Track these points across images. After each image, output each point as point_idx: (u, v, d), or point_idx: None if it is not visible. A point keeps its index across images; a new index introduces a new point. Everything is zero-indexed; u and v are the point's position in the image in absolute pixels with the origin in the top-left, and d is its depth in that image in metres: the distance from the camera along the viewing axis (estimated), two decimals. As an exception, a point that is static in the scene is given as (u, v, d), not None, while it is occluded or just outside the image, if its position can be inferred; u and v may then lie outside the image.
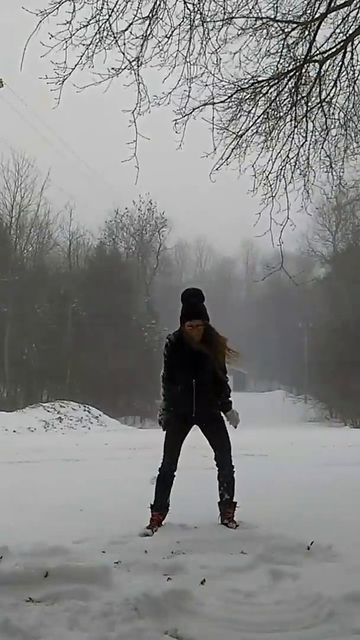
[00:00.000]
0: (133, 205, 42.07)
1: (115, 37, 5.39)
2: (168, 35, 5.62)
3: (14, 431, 21.31)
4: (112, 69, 5.55)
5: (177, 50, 5.81)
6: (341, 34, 6.37)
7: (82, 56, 5.41)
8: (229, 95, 6.43)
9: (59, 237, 38.44)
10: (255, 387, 53.92)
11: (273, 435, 18.95)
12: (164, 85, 6.01)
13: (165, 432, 4.66)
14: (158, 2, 5.44)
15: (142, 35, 5.56)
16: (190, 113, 6.29)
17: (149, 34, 5.56)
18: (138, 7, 5.37)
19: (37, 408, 27.25)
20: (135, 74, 5.67)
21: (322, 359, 38.78)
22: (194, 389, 4.52)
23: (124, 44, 5.48)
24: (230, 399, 4.75)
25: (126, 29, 5.44)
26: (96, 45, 5.40)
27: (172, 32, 5.63)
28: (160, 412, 4.72)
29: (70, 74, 5.43)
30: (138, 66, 5.66)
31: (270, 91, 6.55)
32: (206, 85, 6.23)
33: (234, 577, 3.34)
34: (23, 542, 3.78)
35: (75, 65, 5.44)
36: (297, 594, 3.03)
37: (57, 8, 5.05)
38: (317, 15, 6.26)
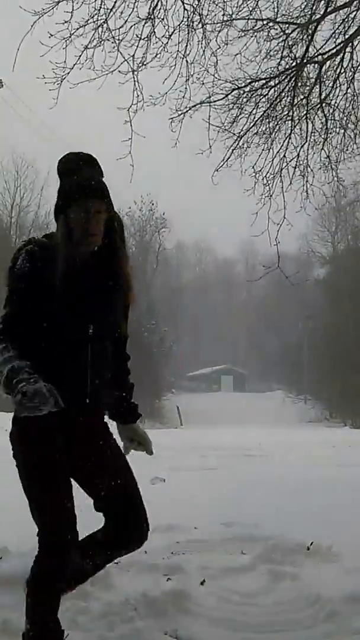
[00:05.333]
0: (134, 206, 42.13)
1: (114, 37, 5.40)
2: (167, 36, 5.62)
3: (14, 431, 21.28)
4: (114, 71, 5.55)
5: (177, 51, 5.81)
6: (341, 35, 6.38)
7: (80, 56, 5.42)
8: (226, 93, 6.44)
9: (59, 238, 38.50)
10: (255, 388, 53.92)
11: (273, 435, 18.93)
12: (161, 83, 6.01)
13: (26, 465, 2.19)
14: (156, 3, 5.44)
15: (140, 35, 5.56)
16: (186, 111, 6.30)
17: (149, 35, 5.56)
18: (134, 6, 5.37)
19: (37, 408, 27.20)
20: (133, 74, 5.67)
21: (322, 359, 38.80)
22: (88, 361, 2.16)
23: (120, 41, 5.48)
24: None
25: (121, 27, 5.43)
26: (95, 46, 5.41)
27: (172, 33, 5.64)
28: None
29: (68, 73, 5.43)
30: (138, 69, 5.67)
31: (270, 92, 6.57)
32: (203, 83, 6.23)
33: (234, 577, 3.34)
34: (23, 542, 3.78)
35: (74, 65, 5.45)
36: (297, 595, 3.03)
37: (53, 8, 5.06)
38: (317, 17, 6.27)
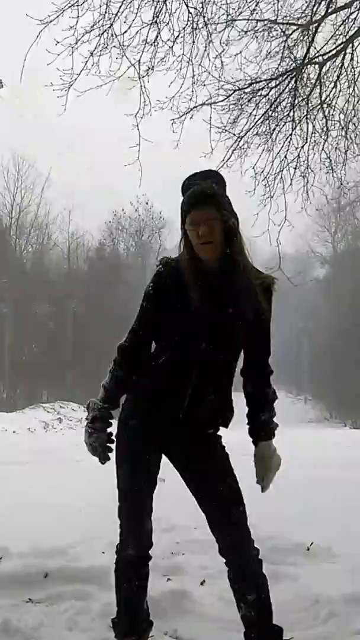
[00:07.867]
0: (131, 207, 42.07)
1: (119, 43, 5.41)
2: (172, 40, 5.64)
3: (14, 432, 21.27)
4: (120, 77, 5.57)
5: (182, 54, 5.83)
6: (341, 36, 6.39)
7: (86, 62, 5.44)
8: (227, 95, 6.45)
9: (59, 238, 38.48)
10: (255, 388, 53.86)
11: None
12: (164, 87, 6.01)
13: (117, 472, 2.56)
14: (161, 6, 5.45)
15: (145, 40, 5.57)
16: (188, 112, 6.31)
17: (155, 39, 5.58)
18: (138, 9, 5.38)
19: (37, 409, 27.22)
20: (139, 78, 5.68)
21: (322, 359, 38.81)
22: (191, 379, 2.17)
23: (123, 44, 5.50)
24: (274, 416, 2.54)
25: (125, 32, 5.45)
26: (101, 51, 5.43)
27: (177, 37, 5.65)
28: (91, 412, 2.42)
29: (76, 79, 5.46)
30: (146, 74, 5.69)
31: (270, 93, 6.57)
32: (204, 85, 6.25)
33: (234, 577, 3.34)
34: (23, 543, 3.78)
35: (81, 71, 5.48)
36: (297, 595, 3.04)
37: (59, 16, 5.08)
38: (317, 17, 6.27)
